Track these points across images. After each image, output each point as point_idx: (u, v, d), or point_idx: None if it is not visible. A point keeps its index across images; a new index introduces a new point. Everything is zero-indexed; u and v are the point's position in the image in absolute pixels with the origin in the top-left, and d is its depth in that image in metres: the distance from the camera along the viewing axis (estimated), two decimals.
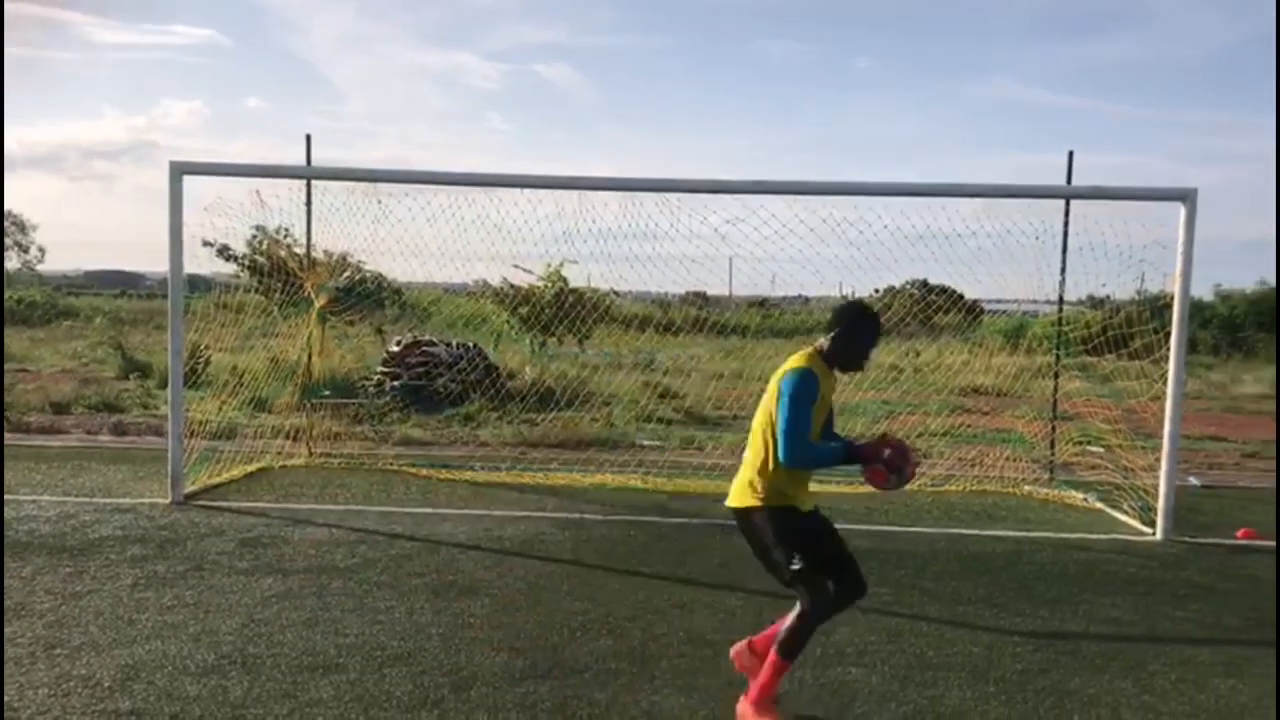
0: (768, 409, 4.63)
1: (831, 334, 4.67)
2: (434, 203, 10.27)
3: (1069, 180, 10.58)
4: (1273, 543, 8.48)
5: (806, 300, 22.84)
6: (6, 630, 5.63)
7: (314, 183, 11.17)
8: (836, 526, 4.87)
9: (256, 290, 12.69)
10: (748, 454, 4.75)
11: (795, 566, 4.54)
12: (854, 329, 4.67)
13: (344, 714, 4.70)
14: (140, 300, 50.10)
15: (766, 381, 4.72)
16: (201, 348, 12.65)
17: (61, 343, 26.26)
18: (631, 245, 10.60)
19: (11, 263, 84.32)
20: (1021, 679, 5.41)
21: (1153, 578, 7.54)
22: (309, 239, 11.53)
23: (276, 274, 11.84)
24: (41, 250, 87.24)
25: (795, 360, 4.63)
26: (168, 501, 8.96)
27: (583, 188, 9.56)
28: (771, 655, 4.66)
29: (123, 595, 6.35)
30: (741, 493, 4.71)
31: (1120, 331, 10.11)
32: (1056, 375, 11.40)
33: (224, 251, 15.22)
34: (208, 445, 10.27)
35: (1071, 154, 10.66)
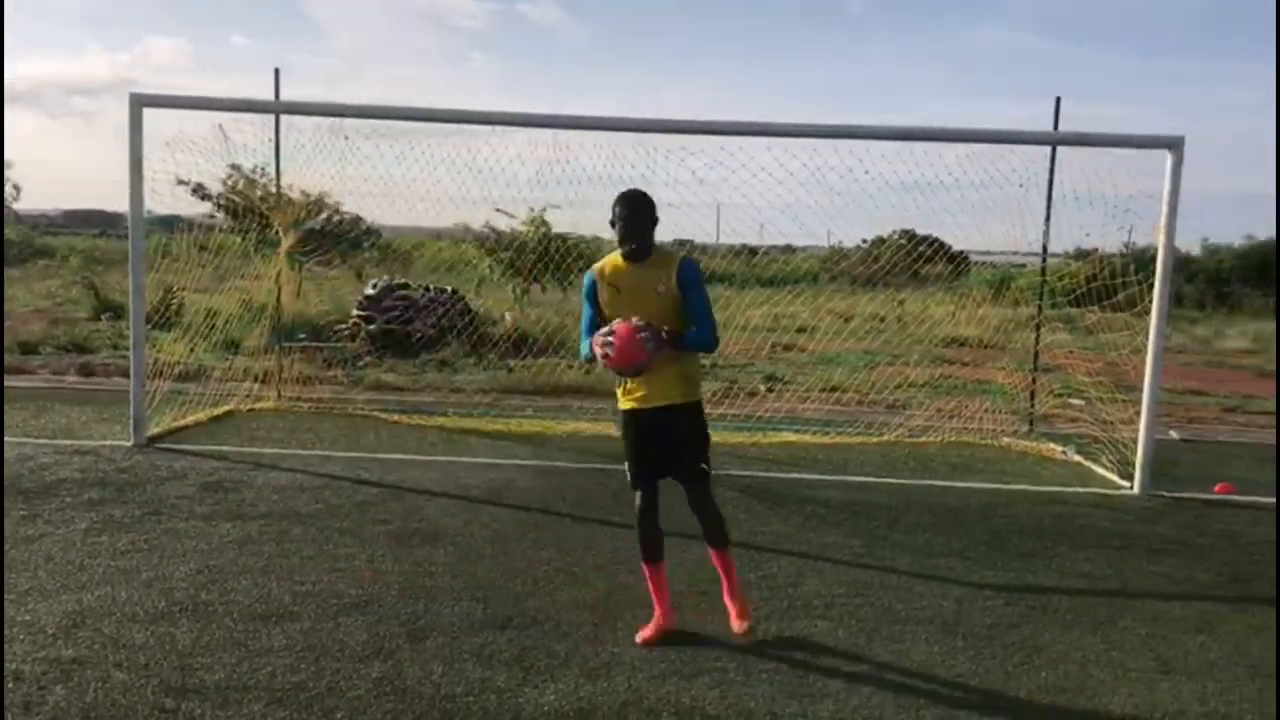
0: None
1: None
2: (405, 142, 10.03)
3: (1055, 127, 10.36)
4: (1249, 498, 8.44)
5: (792, 250, 22.60)
6: None
7: (286, 121, 10.85)
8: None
9: (232, 230, 12.43)
10: None
11: None
12: None
13: (294, 664, 4.56)
14: (119, 240, 49.44)
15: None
16: (175, 288, 12.42)
17: (35, 282, 25.89)
18: (613, 191, 10.36)
19: None
20: (990, 633, 5.31)
21: (1128, 532, 7.46)
22: (278, 177, 11.24)
23: (251, 214, 11.58)
24: (17, 188, 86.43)
25: None
26: (130, 444, 8.78)
27: (560, 126, 9.24)
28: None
29: (75, 539, 6.19)
30: None
31: (1106, 283, 9.94)
32: (1039, 327, 11.25)
33: (199, 190, 14.97)
34: (174, 387, 10.08)
35: (1059, 100, 10.43)
